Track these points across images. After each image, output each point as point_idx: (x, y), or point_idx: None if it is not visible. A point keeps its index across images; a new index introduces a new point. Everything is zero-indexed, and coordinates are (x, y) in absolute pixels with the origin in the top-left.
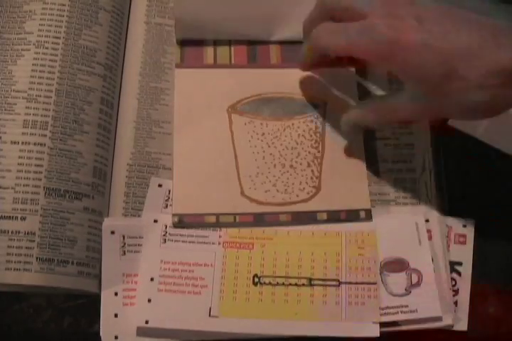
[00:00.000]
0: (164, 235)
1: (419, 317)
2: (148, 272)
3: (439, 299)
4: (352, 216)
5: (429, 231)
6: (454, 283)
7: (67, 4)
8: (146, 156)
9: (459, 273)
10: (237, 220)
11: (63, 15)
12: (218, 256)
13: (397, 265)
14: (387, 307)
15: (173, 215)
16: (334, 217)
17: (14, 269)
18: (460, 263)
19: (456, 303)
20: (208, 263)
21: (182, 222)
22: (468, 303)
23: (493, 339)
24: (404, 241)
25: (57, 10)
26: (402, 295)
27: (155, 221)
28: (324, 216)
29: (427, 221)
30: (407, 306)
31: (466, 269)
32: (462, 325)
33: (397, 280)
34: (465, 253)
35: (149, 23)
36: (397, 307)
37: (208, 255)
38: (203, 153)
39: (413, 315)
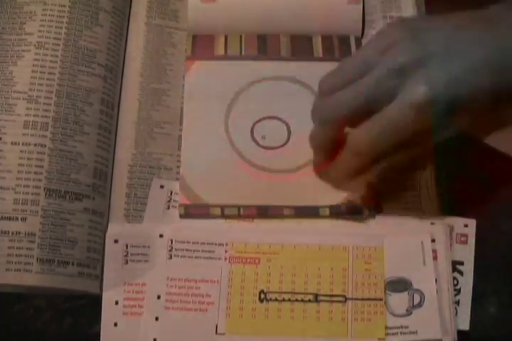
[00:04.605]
0: (170, 250)
1: (418, 338)
2: (154, 290)
3: (439, 321)
4: (354, 212)
5: (434, 251)
6: (456, 282)
7: (67, 5)
8: (147, 157)
9: (461, 273)
10: (242, 213)
11: (64, 17)
12: (224, 272)
13: (400, 285)
14: (387, 328)
15: (180, 206)
16: (336, 211)
17: (14, 270)
18: (462, 263)
19: (458, 303)
20: (214, 280)
21: (188, 213)
22: (470, 303)
23: (493, 339)
24: (408, 260)
25: (58, 11)
26: (402, 316)
27: (160, 236)
28: (327, 211)
29: (433, 241)
30: (407, 327)
31: (468, 269)
32: (464, 325)
33: (399, 300)
34: (466, 253)
35: (150, 24)
36: (398, 327)
37: (214, 271)
38: (211, 147)
39: (412, 336)
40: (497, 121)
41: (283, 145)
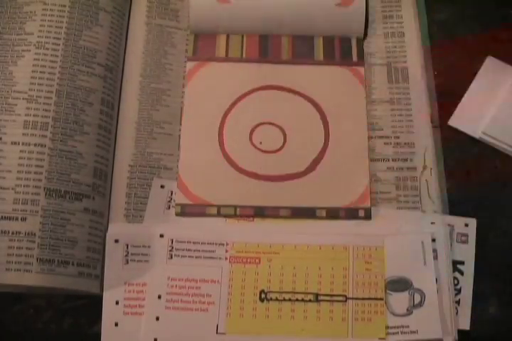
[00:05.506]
0: (171, 250)
1: (419, 338)
2: (155, 289)
3: (440, 321)
4: (351, 214)
5: (434, 251)
6: (456, 282)
7: (67, 5)
8: (148, 157)
9: (462, 272)
10: (238, 213)
11: (64, 16)
12: (225, 272)
13: (401, 284)
14: (388, 327)
15: (176, 205)
16: (333, 214)
17: (15, 270)
18: (462, 262)
19: (458, 302)
20: (214, 280)
21: (184, 212)
22: (470, 302)
23: (493, 339)
24: (409, 260)
25: (58, 11)
26: (403, 315)
27: (161, 235)
28: (323, 213)
29: (434, 240)
30: (407, 326)
31: (469, 268)
32: (465, 324)
33: (400, 300)
34: (467, 253)
35: (150, 24)
36: (398, 327)
37: (215, 271)
38: (208, 147)
39: (413, 336)
40: None
41: (279, 150)
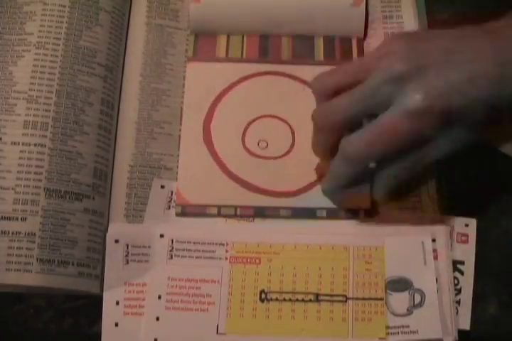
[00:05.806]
0: (171, 250)
1: (419, 338)
2: (155, 290)
3: (440, 321)
4: (351, 214)
5: (435, 251)
6: (456, 282)
7: (67, 5)
8: (148, 157)
9: (462, 272)
10: (238, 213)
11: (64, 16)
12: (225, 272)
13: (401, 284)
14: (388, 327)
15: (177, 205)
16: (333, 214)
17: (15, 270)
18: (462, 262)
19: (458, 302)
20: (214, 280)
21: (184, 212)
22: (470, 302)
23: (493, 339)
24: (409, 260)
25: (58, 11)
26: (403, 315)
27: (161, 235)
28: (324, 213)
29: (434, 240)
30: (408, 326)
31: (469, 268)
32: (465, 324)
33: (400, 300)
34: (467, 253)
35: (150, 24)
36: (398, 327)
37: (215, 271)
38: (198, 151)
39: (413, 335)
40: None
41: (284, 155)
